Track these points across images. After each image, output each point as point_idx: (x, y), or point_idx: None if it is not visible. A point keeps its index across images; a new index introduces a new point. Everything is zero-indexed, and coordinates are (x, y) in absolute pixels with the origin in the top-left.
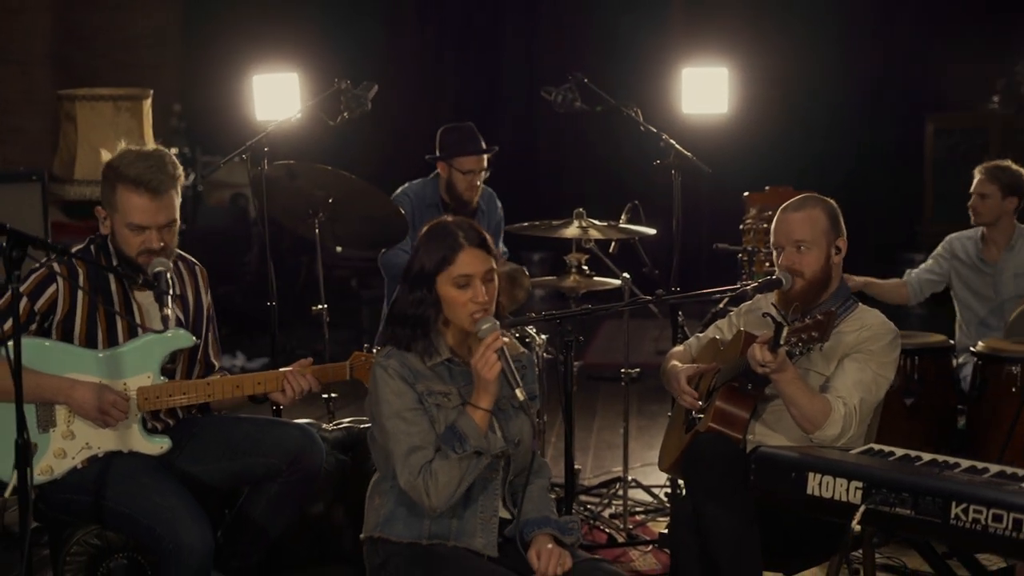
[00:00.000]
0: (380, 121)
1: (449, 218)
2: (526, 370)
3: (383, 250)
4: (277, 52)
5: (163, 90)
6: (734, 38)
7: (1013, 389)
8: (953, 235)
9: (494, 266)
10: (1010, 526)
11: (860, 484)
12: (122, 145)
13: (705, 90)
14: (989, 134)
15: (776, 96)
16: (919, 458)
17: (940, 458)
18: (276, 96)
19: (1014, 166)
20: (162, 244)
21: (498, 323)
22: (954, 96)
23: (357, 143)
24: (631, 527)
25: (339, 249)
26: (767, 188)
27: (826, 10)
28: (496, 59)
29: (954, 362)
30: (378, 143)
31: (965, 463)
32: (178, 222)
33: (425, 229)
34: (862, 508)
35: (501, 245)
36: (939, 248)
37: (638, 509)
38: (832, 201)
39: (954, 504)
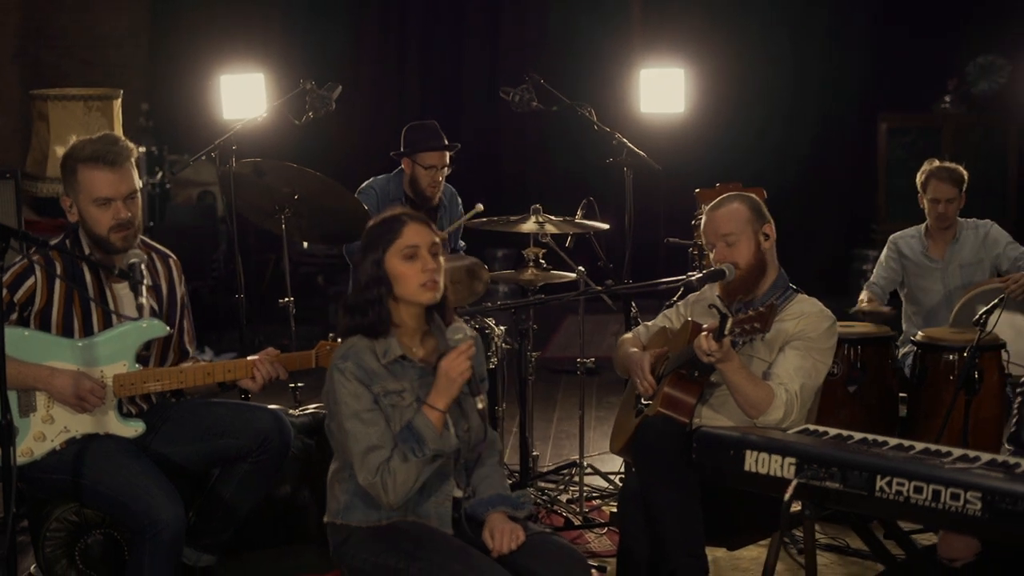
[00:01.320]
0: (344, 120)
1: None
2: (479, 367)
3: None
4: (243, 53)
5: (130, 89)
6: (690, 40)
7: (951, 377)
8: (895, 235)
9: (438, 240)
10: (930, 497)
11: (793, 460)
12: (73, 138)
13: (662, 90)
14: (942, 133)
15: (732, 96)
16: (851, 437)
17: (871, 437)
18: (243, 96)
19: (953, 164)
20: (129, 215)
21: (469, 333)
22: (907, 96)
23: (322, 142)
24: (587, 511)
25: (305, 245)
26: (717, 185)
27: (780, 12)
28: (458, 59)
29: (899, 352)
30: (342, 141)
31: (893, 441)
32: (139, 195)
33: (369, 224)
34: (795, 482)
35: (460, 241)
36: (885, 250)
37: (594, 494)
38: (753, 195)
39: (879, 477)
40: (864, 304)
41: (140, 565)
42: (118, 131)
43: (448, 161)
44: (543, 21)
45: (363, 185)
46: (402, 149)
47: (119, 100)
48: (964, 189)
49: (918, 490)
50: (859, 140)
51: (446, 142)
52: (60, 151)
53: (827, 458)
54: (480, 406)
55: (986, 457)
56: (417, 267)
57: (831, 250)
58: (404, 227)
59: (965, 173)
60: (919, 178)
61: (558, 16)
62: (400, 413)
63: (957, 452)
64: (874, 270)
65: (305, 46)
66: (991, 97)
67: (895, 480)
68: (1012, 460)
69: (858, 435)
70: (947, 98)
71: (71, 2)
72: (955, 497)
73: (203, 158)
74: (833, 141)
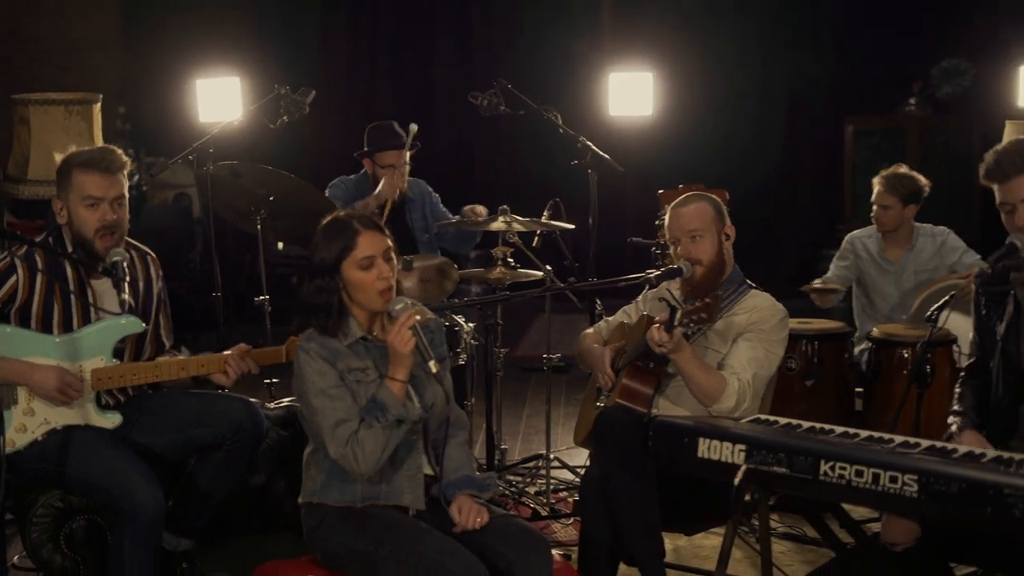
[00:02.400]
0: (318, 123)
1: (341, 212)
2: (435, 334)
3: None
4: (218, 57)
5: (106, 93)
6: (659, 44)
7: (904, 372)
8: (854, 234)
9: (391, 245)
10: (870, 480)
11: (743, 447)
12: (72, 148)
13: (631, 94)
14: (907, 136)
15: (699, 99)
16: (799, 426)
17: (819, 425)
18: (218, 99)
19: (910, 173)
20: (115, 217)
21: (409, 302)
22: (873, 99)
23: (296, 145)
24: (554, 502)
25: (280, 246)
26: (680, 186)
27: (748, 16)
28: (429, 63)
29: (856, 349)
30: (316, 145)
31: (839, 429)
32: (127, 202)
33: (321, 226)
34: (744, 467)
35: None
36: (842, 248)
37: (561, 487)
38: (714, 195)
39: (823, 462)
40: (817, 282)
41: (121, 547)
42: (97, 134)
43: (407, 160)
44: (514, 25)
45: (333, 182)
46: (364, 149)
47: (99, 104)
48: (912, 201)
49: (859, 473)
50: (826, 142)
51: (406, 140)
52: (41, 154)
53: (775, 444)
54: (434, 370)
55: (926, 443)
56: (373, 275)
57: (798, 250)
58: (358, 237)
59: (918, 183)
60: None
61: (529, 20)
62: (365, 389)
63: (899, 439)
64: (830, 266)
65: (279, 51)
66: (955, 100)
67: (838, 464)
68: (950, 446)
69: (807, 424)
70: (912, 101)
71: (46, 7)
72: (893, 480)
73: (179, 161)
74: (800, 143)
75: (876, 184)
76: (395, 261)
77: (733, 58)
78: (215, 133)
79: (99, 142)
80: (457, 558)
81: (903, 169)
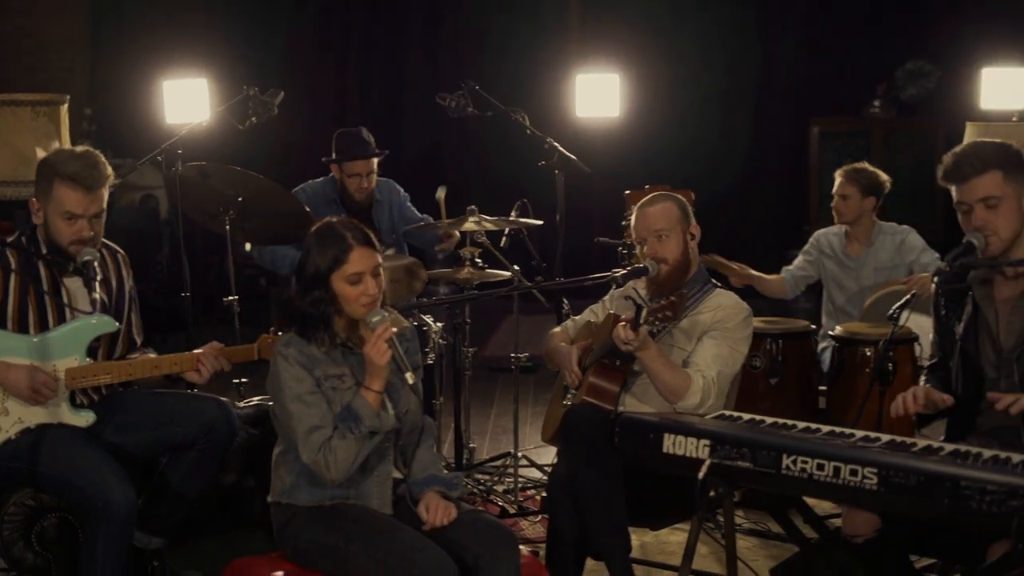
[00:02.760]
0: (287, 124)
1: (335, 219)
2: (410, 343)
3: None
4: (186, 58)
5: (73, 94)
6: (626, 46)
7: (867, 370)
8: (820, 231)
9: (380, 261)
10: (831, 473)
11: (708, 442)
12: (56, 145)
13: (598, 95)
14: (872, 137)
15: (666, 100)
16: (763, 421)
17: (781, 421)
18: (186, 101)
19: (871, 168)
20: (91, 233)
21: (387, 315)
22: (838, 100)
23: (265, 146)
24: (522, 500)
25: (248, 247)
26: (647, 187)
27: (714, 18)
28: (398, 64)
29: (819, 346)
30: (285, 146)
31: (802, 425)
32: (105, 213)
33: (314, 230)
34: (708, 462)
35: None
36: (808, 244)
37: (529, 485)
38: (680, 195)
39: (785, 456)
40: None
41: (94, 545)
42: (64, 136)
43: (374, 167)
44: (483, 27)
45: (297, 188)
46: (333, 156)
47: (66, 105)
48: (872, 193)
49: (820, 467)
50: (791, 143)
51: (374, 148)
52: (8, 155)
53: (738, 439)
54: (411, 381)
55: (886, 438)
56: (360, 290)
57: (764, 251)
58: (350, 253)
59: (879, 177)
60: None
61: (497, 22)
62: (341, 396)
63: (860, 434)
64: (795, 259)
65: (246, 52)
66: (919, 102)
67: (799, 458)
68: (910, 440)
69: (770, 419)
70: (877, 102)
71: (14, 8)
72: (854, 473)
73: (147, 162)
74: (766, 144)
75: (837, 176)
76: (383, 276)
77: (699, 60)
78: (183, 134)
79: (66, 143)
80: (426, 553)
81: (865, 164)
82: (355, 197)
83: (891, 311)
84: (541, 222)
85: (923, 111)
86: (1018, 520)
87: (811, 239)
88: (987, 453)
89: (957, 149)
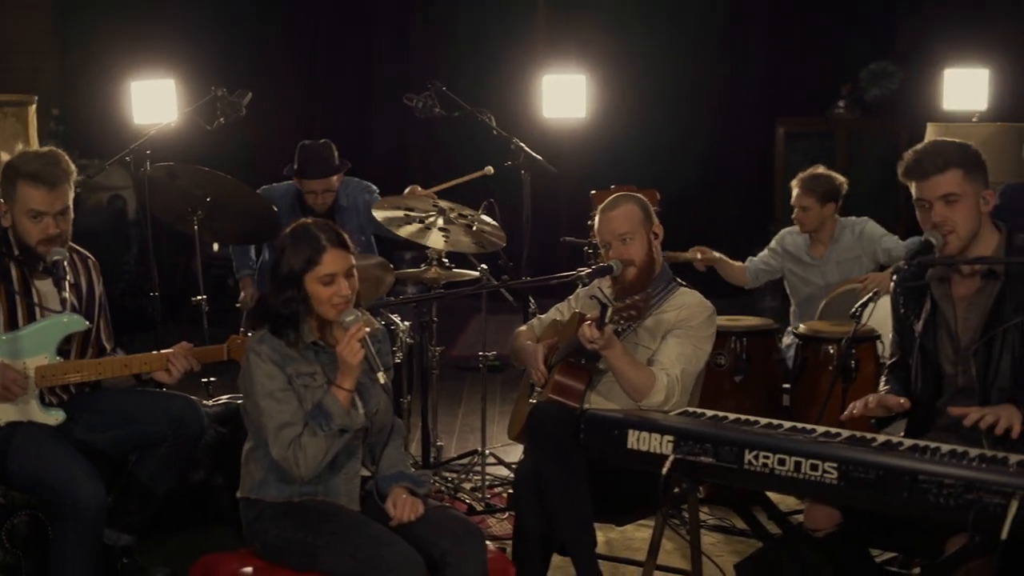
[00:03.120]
0: (256, 125)
1: (310, 220)
2: (382, 344)
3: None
4: (153, 59)
5: (41, 94)
6: (593, 47)
7: (830, 367)
8: (786, 230)
9: (353, 263)
10: (792, 468)
11: (671, 438)
12: (19, 147)
13: (565, 96)
14: (836, 137)
15: (633, 101)
16: (726, 417)
17: (743, 417)
18: (153, 101)
19: (826, 172)
20: (58, 230)
21: (360, 315)
22: (803, 101)
23: (233, 146)
24: (489, 497)
25: (216, 247)
26: (612, 187)
27: (680, 19)
28: (367, 65)
29: (783, 342)
30: (254, 146)
31: (764, 421)
32: (71, 211)
33: (289, 231)
34: (672, 457)
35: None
36: (773, 242)
37: (496, 483)
38: (642, 196)
39: (747, 451)
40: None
41: (64, 542)
42: (32, 136)
43: (334, 184)
44: (451, 28)
45: (259, 190)
46: (293, 167)
47: (34, 106)
48: (830, 199)
49: (781, 462)
50: (757, 144)
51: (334, 164)
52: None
53: (701, 435)
54: (382, 380)
55: (847, 434)
56: (333, 291)
57: (730, 251)
58: (324, 254)
59: (835, 182)
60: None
61: (465, 23)
62: (312, 393)
63: (821, 429)
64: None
65: (214, 52)
66: (883, 102)
67: (761, 453)
68: (869, 436)
69: (733, 416)
70: (841, 103)
71: None
72: (814, 468)
73: (115, 162)
74: (732, 145)
75: (794, 187)
76: (355, 277)
77: (665, 61)
78: (152, 135)
79: (34, 144)
80: (394, 549)
81: (820, 169)
82: (314, 209)
83: (853, 309)
84: (507, 223)
85: (887, 112)
86: (974, 513)
87: (777, 237)
88: (945, 448)
89: (918, 146)
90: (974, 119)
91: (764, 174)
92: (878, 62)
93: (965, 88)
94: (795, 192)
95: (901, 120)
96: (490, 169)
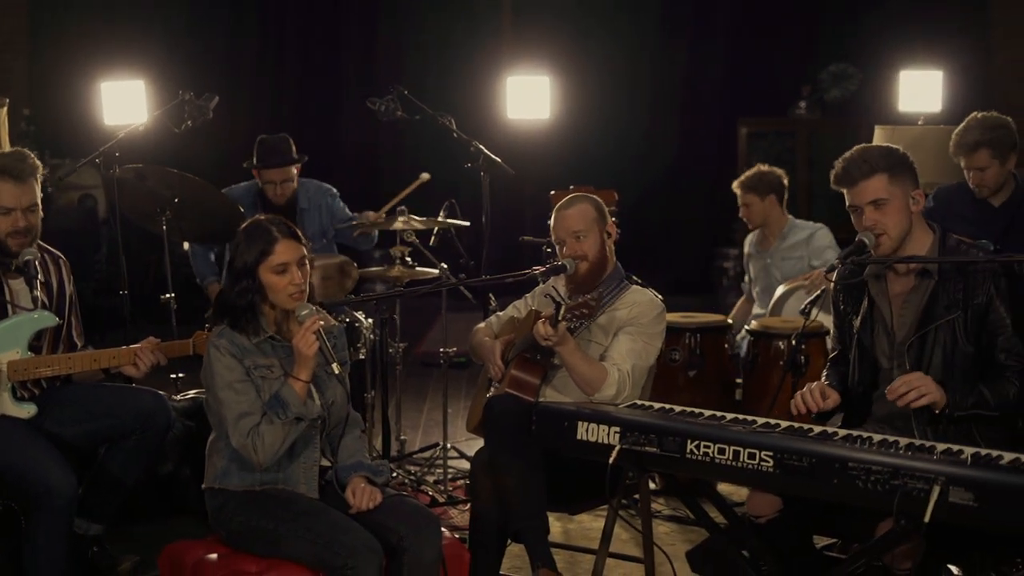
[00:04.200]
0: (224, 126)
1: (262, 216)
2: (337, 340)
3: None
4: (123, 60)
5: (11, 95)
6: (556, 49)
7: (780, 362)
8: (747, 237)
9: (305, 253)
10: (731, 457)
11: (618, 429)
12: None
13: (528, 97)
14: (797, 137)
15: (595, 102)
16: (672, 410)
17: (689, 409)
18: (123, 102)
19: (763, 168)
20: (26, 224)
21: (314, 308)
22: (765, 102)
23: (201, 147)
24: (451, 489)
25: (186, 246)
26: (571, 187)
27: (641, 22)
28: (334, 67)
29: (737, 338)
30: (222, 147)
31: (708, 413)
32: (39, 207)
33: (243, 227)
34: (618, 447)
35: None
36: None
37: (458, 476)
38: (596, 196)
39: (689, 441)
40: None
41: (36, 531)
42: (4, 137)
43: (292, 175)
44: (417, 30)
45: (222, 191)
46: (253, 161)
47: (5, 108)
48: (770, 192)
49: (721, 451)
50: (720, 144)
51: (292, 156)
52: None
53: (646, 426)
54: (336, 371)
55: (785, 424)
56: (287, 280)
57: (694, 249)
58: (276, 244)
59: (773, 175)
60: None
61: (431, 27)
62: (269, 385)
63: (762, 420)
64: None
65: (184, 54)
66: (843, 103)
67: (702, 443)
68: (807, 427)
69: (679, 408)
70: (802, 104)
71: None
72: (752, 456)
73: (85, 163)
74: (695, 145)
75: (735, 189)
76: (308, 268)
77: (628, 63)
78: (122, 137)
79: (6, 144)
80: (353, 535)
81: (757, 168)
82: (273, 201)
83: (803, 306)
84: (468, 223)
85: (847, 112)
86: (899, 497)
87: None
88: (877, 438)
89: (847, 154)
90: (920, 121)
91: (726, 174)
92: (838, 64)
93: (920, 90)
94: (737, 194)
95: (860, 120)
96: (426, 176)
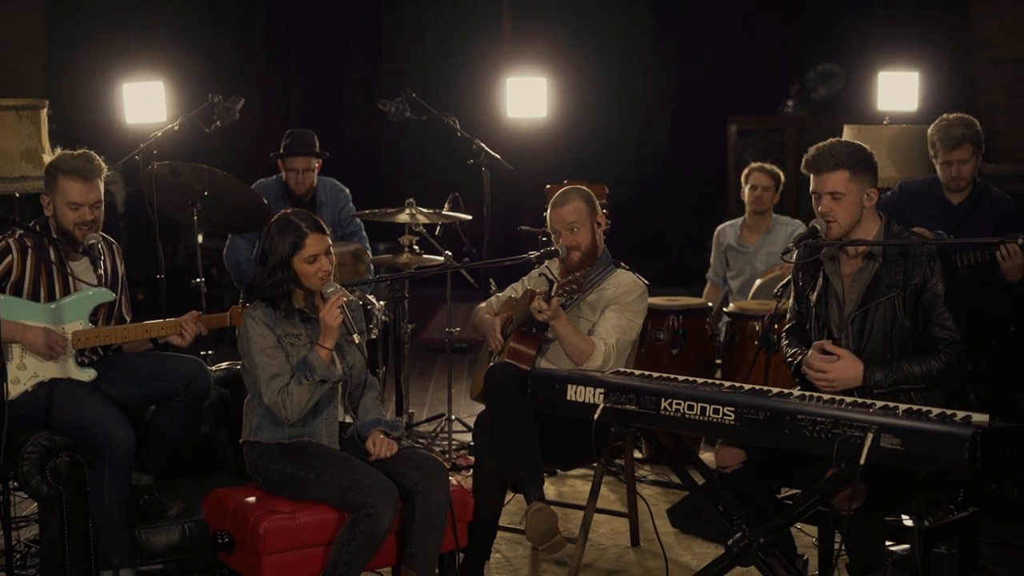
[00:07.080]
0: (236, 125)
1: (289, 211)
2: (356, 313)
3: (224, 250)
4: (140, 61)
5: (32, 94)
6: (553, 52)
7: (755, 342)
8: (720, 226)
9: (330, 243)
10: (699, 412)
11: (602, 390)
12: (57, 150)
13: (527, 97)
14: (786, 135)
15: (590, 102)
16: (650, 375)
17: (667, 376)
18: (144, 102)
19: (776, 168)
20: (92, 218)
21: (340, 287)
22: (754, 100)
23: (219, 144)
24: (455, 458)
25: (200, 239)
26: (565, 181)
27: (634, 24)
28: (341, 70)
29: (719, 321)
30: (235, 145)
31: (681, 379)
32: (103, 202)
33: (274, 222)
34: (602, 406)
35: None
36: (713, 240)
37: (463, 447)
38: (587, 189)
39: (663, 400)
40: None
41: (101, 477)
42: (44, 136)
43: (314, 165)
44: (420, 35)
45: (255, 184)
46: (280, 152)
47: (45, 110)
48: (778, 189)
49: (690, 408)
50: (710, 141)
51: (317, 149)
52: (1, 153)
53: (626, 388)
54: (356, 340)
55: (748, 387)
56: (316, 267)
57: (685, 243)
58: (307, 238)
59: (781, 174)
60: (744, 173)
61: (433, 30)
62: (297, 351)
63: (728, 384)
64: (710, 261)
65: (199, 57)
66: (829, 102)
67: (674, 401)
68: (767, 388)
69: (657, 374)
70: (790, 102)
71: None
72: (716, 411)
73: (121, 163)
74: (686, 142)
75: (753, 172)
76: (332, 255)
77: (621, 64)
78: (159, 136)
79: (45, 143)
80: (372, 478)
81: (773, 166)
82: (295, 190)
83: (776, 290)
84: (470, 217)
85: (834, 110)
86: (838, 444)
87: (715, 235)
88: (826, 396)
89: (820, 144)
90: (885, 121)
91: (717, 170)
92: (824, 64)
93: (897, 90)
94: (756, 175)
95: (846, 119)
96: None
